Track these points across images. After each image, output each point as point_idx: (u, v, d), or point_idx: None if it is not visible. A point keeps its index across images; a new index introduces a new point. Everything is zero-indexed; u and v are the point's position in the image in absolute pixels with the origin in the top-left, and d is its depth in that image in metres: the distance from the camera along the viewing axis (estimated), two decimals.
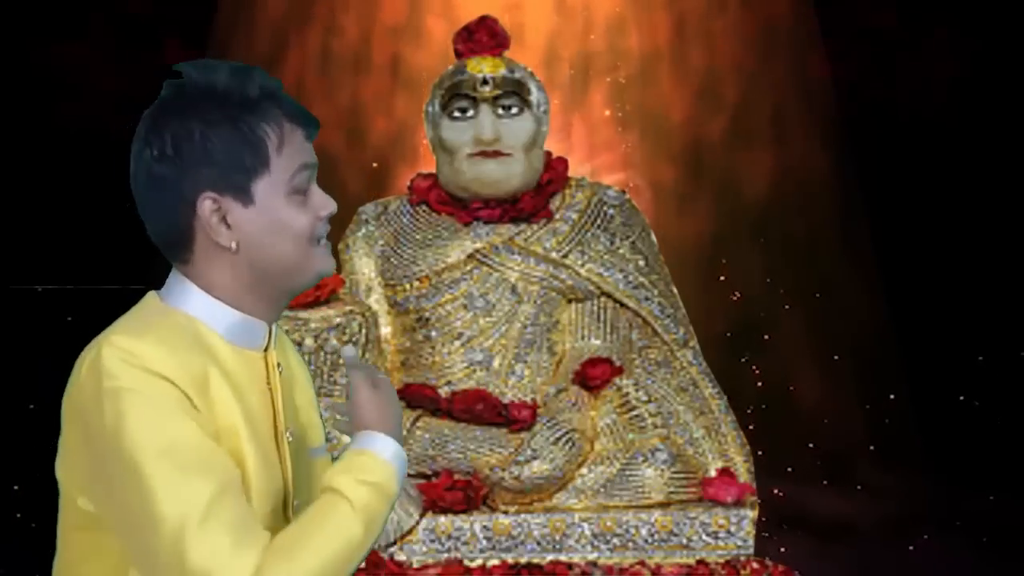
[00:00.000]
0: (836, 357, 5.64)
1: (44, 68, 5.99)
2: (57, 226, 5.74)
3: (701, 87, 5.83)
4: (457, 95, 3.68)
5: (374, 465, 1.24)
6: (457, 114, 3.68)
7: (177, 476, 1.11)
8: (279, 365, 1.35)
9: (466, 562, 3.27)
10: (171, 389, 1.15)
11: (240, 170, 1.26)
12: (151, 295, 1.33)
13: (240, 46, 5.58)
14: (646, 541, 3.28)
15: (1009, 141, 5.84)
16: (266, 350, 1.35)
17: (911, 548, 4.45)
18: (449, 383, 3.62)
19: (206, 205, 1.26)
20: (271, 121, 1.28)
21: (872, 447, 5.33)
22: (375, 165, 5.32)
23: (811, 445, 5.14)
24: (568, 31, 5.68)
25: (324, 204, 1.33)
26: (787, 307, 5.60)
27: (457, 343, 3.65)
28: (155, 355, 1.17)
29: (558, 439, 3.34)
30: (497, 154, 3.64)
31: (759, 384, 5.37)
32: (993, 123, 5.90)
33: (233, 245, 1.27)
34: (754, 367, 5.46)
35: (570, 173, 3.90)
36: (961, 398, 5.54)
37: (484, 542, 3.29)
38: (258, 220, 1.28)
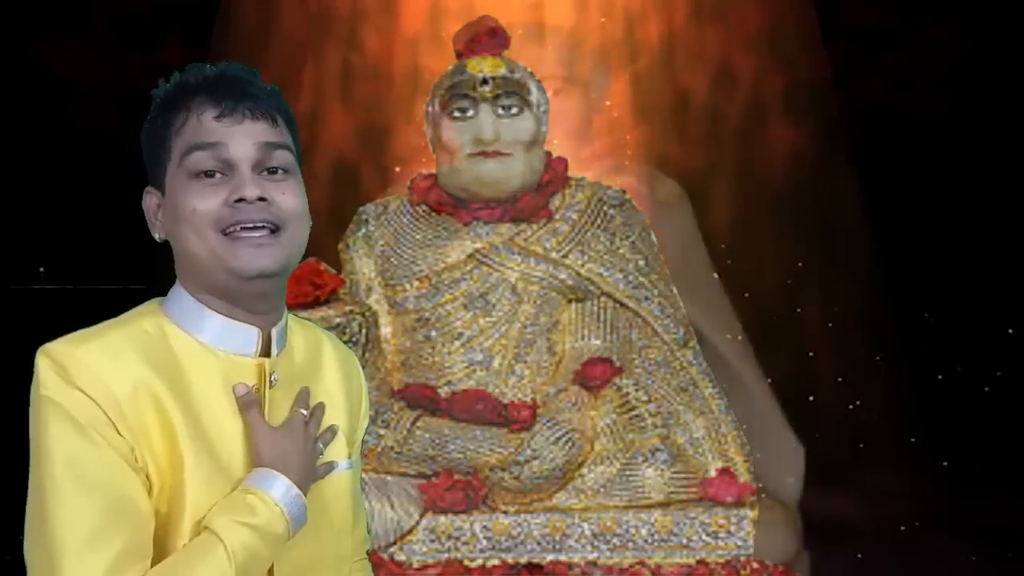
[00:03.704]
0: (837, 357, 5.63)
1: (45, 68, 5.99)
2: (57, 225, 5.74)
3: (718, 73, 5.82)
4: (457, 95, 3.68)
5: (259, 506, 1.17)
6: (457, 114, 3.68)
7: (72, 494, 1.11)
8: (272, 374, 1.26)
9: (466, 562, 3.27)
10: (90, 406, 1.13)
11: (156, 161, 1.24)
12: (156, 299, 1.31)
13: (258, 58, 5.55)
14: (646, 541, 3.28)
15: (1007, 137, 5.84)
16: (266, 356, 1.26)
17: (911, 548, 4.44)
18: (449, 383, 3.61)
19: (145, 200, 1.27)
20: (179, 107, 1.21)
21: (872, 447, 5.32)
22: (398, 169, 5.32)
23: (812, 444, 5.13)
24: (588, 25, 5.67)
25: (238, 187, 1.19)
26: (788, 310, 5.61)
27: (457, 343, 3.65)
28: (83, 367, 1.15)
29: (558, 439, 3.33)
30: (497, 154, 3.64)
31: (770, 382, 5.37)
32: (992, 121, 5.90)
33: (157, 236, 1.27)
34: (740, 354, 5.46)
35: (590, 168, 3.89)
36: (962, 399, 5.53)
37: (484, 542, 3.29)
38: (167, 208, 1.23)
